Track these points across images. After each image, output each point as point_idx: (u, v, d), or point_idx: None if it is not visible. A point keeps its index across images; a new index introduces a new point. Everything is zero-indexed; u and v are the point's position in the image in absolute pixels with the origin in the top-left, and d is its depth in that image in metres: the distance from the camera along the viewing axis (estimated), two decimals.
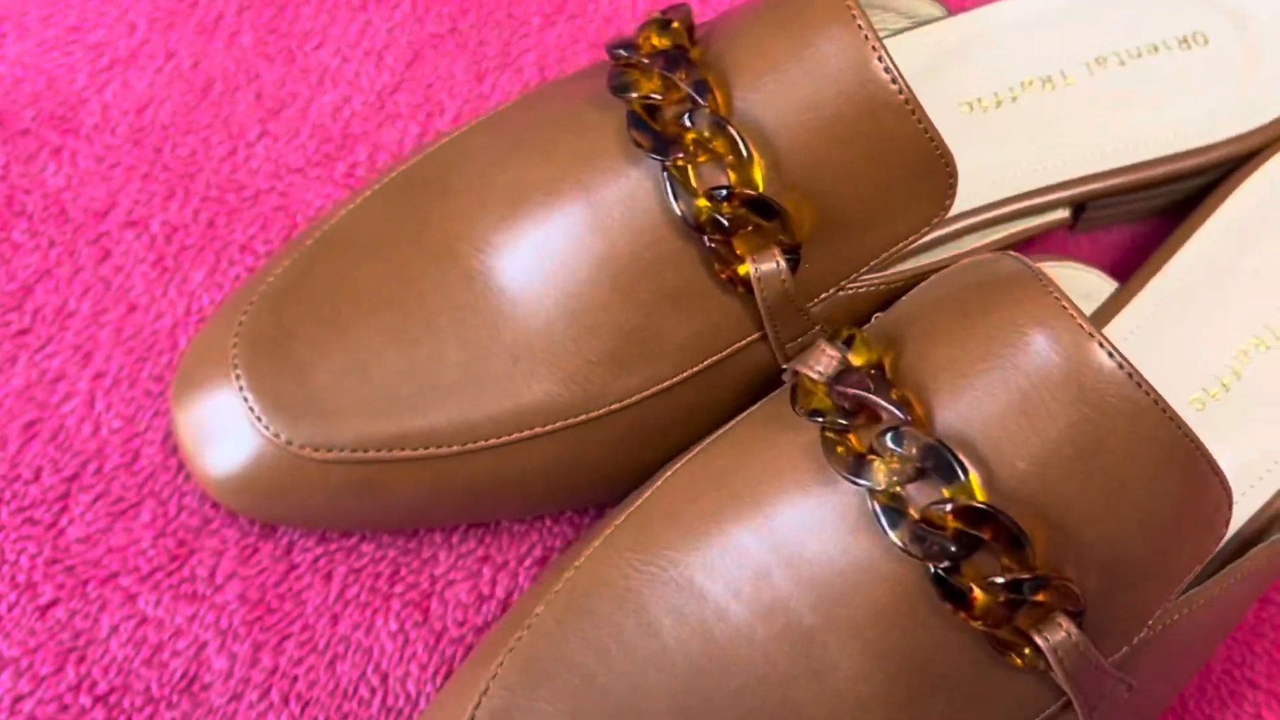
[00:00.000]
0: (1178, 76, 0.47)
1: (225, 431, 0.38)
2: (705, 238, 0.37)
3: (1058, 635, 0.33)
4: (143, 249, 0.45)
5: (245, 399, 0.38)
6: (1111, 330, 0.44)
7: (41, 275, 0.44)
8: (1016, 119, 0.47)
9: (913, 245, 0.39)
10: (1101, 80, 0.47)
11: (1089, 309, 0.44)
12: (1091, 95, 0.47)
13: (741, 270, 0.37)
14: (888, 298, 0.40)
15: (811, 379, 0.35)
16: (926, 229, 0.39)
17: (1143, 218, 0.49)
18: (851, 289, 0.39)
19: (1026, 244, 0.47)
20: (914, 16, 0.48)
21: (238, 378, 0.38)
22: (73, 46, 0.49)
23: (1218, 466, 0.34)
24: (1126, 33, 0.48)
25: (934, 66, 0.47)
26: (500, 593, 0.41)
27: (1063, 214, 0.46)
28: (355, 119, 0.48)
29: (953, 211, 0.44)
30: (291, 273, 0.40)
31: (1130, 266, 0.47)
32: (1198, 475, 0.34)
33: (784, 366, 0.39)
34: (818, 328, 0.39)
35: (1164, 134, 0.47)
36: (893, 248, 0.39)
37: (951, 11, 0.48)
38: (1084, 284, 0.44)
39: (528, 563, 0.42)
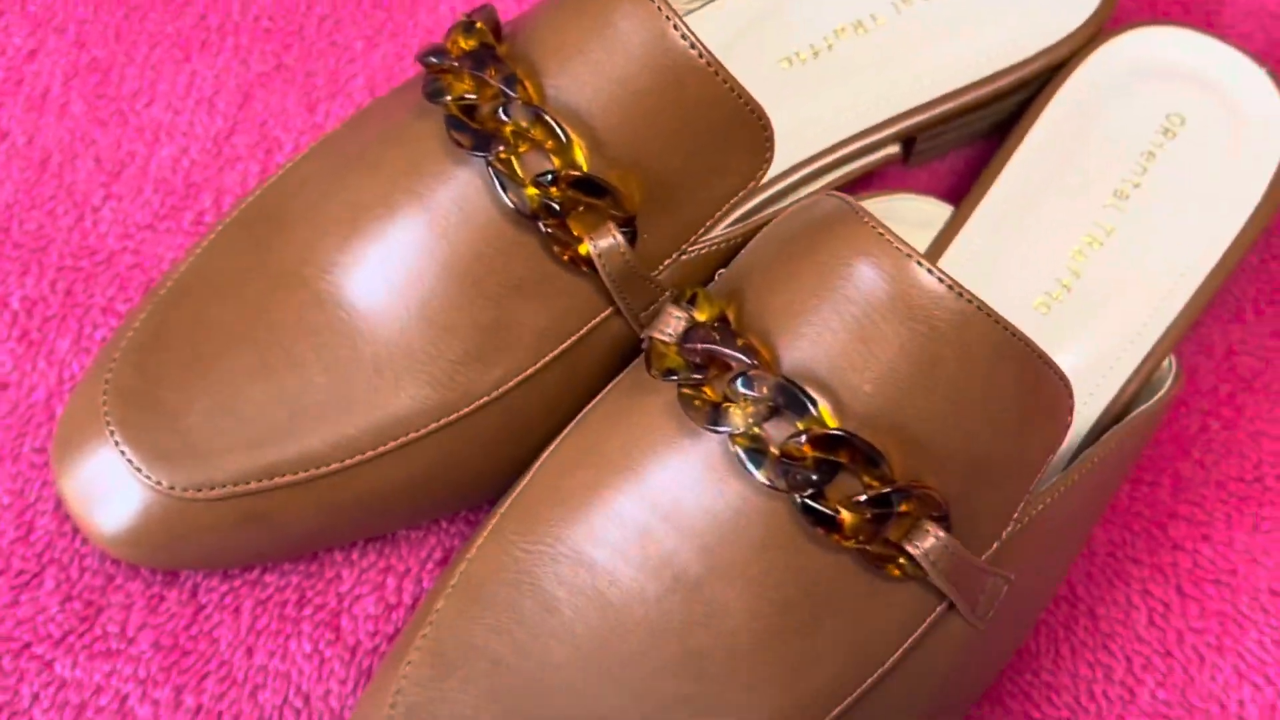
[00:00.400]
0: (981, 2, 0.49)
1: (110, 488, 0.39)
2: (540, 224, 0.38)
3: (927, 542, 0.35)
4: (5, 327, 0.46)
5: (123, 453, 0.39)
6: (953, 250, 0.46)
7: None
8: (835, 66, 0.48)
9: (744, 201, 0.40)
10: (908, 16, 0.49)
11: (928, 236, 0.46)
12: (903, 32, 0.49)
13: (582, 250, 0.39)
14: (730, 254, 0.41)
15: (664, 341, 0.37)
16: (753, 184, 0.40)
17: (971, 142, 0.51)
18: (693, 251, 0.41)
19: (864, 183, 0.49)
20: None
21: (112, 434, 0.39)
22: None
23: (1049, 359, 0.36)
24: None
25: (747, 29, 0.49)
26: (407, 599, 0.42)
27: (894, 149, 0.47)
28: (195, 168, 0.49)
29: (788, 163, 0.46)
30: (150, 324, 0.40)
31: (966, 190, 0.49)
32: (1033, 370, 0.36)
33: (641, 336, 0.41)
34: (668, 294, 0.41)
35: (976, 58, 0.48)
36: (723, 206, 0.40)
37: None
38: (921, 213, 0.46)
39: (429, 565, 0.43)
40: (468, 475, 0.41)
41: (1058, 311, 0.45)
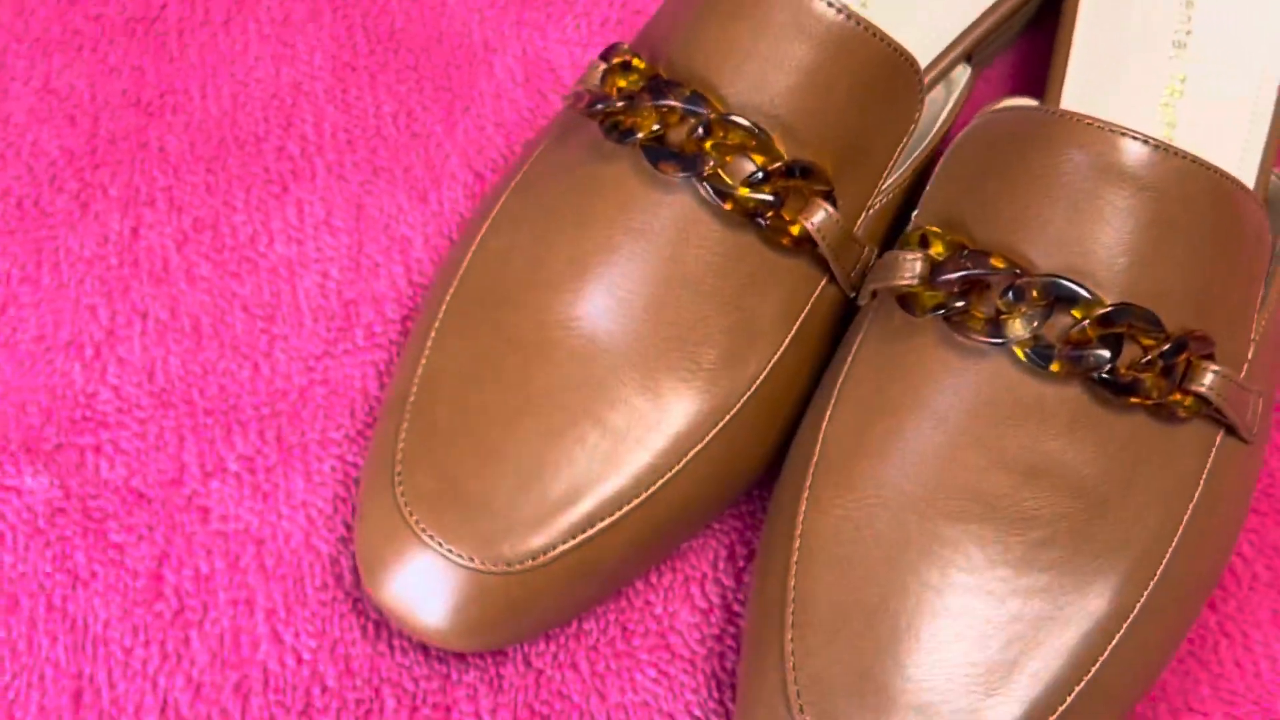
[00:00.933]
0: None
1: (443, 587, 0.41)
2: (759, 220, 0.41)
3: (1207, 379, 0.39)
4: (235, 490, 0.47)
5: (449, 552, 0.40)
6: None
7: (162, 560, 0.46)
8: (881, 11, 0.52)
9: (909, 143, 0.44)
10: None
11: None
12: None
13: (796, 230, 0.42)
14: (901, 200, 0.45)
15: (913, 286, 0.40)
16: (914, 124, 0.44)
17: (1014, 42, 0.55)
18: (877, 203, 0.44)
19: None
20: None
21: (431, 538, 0.41)
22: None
23: (1250, 190, 0.40)
24: None
25: None
26: (715, 599, 0.45)
27: (965, 69, 0.51)
28: (343, 287, 0.50)
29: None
30: (417, 428, 0.42)
31: (1034, 81, 0.53)
32: (1240, 204, 0.40)
33: (852, 294, 0.44)
34: (868, 249, 0.44)
35: None
36: (895, 154, 0.44)
37: None
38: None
39: (721, 564, 0.45)
40: (746, 467, 0.44)
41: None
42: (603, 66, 0.43)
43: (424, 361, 0.44)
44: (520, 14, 0.56)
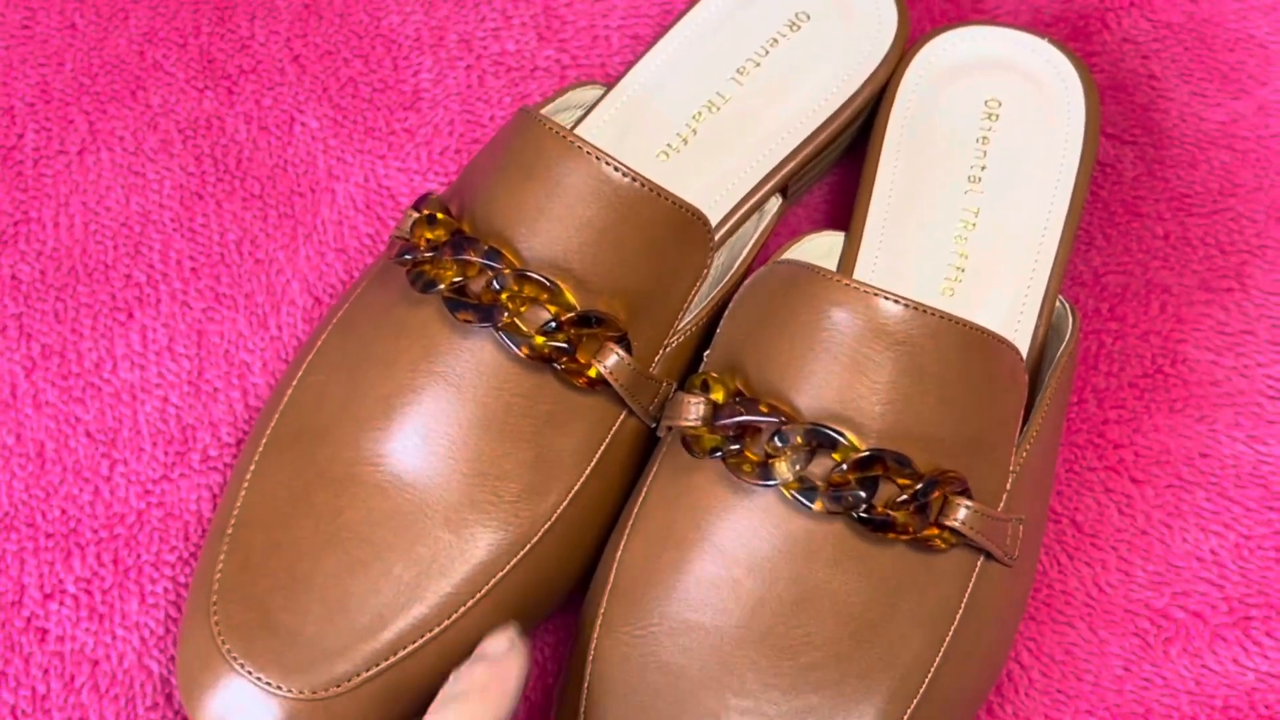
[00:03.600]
0: (805, 51, 0.57)
1: (254, 713, 0.43)
2: (553, 364, 0.44)
3: (960, 513, 0.42)
4: (72, 612, 0.49)
5: (258, 679, 0.43)
6: (860, 269, 0.53)
7: None
8: (704, 146, 0.55)
9: (701, 288, 0.47)
10: (750, 84, 0.56)
11: (834, 261, 0.53)
12: (750, 99, 0.56)
13: (592, 373, 0.44)
14: (699, 336, 0.48)
15: (694, 427, 0.43)
16: (706, 272, 0.47)
17: (830, 171, 0.58)
18: (672, 343, 0.47)
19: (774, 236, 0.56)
20: (583, 104, 0.56)
21: (242, 666, 0.43)
22: None
23: (1001, 337, 0.43)
24: (747, 40, 0.57)
25: (621, 137, 0.55)
26: (523, 717, 0.47)
27: (778, 200, 0.55)
28: (182, 412, 0.53)
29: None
30: (233, 560, 0.45)
31: (842, 211, 0.57)
32: (991, 350, 0.43)
33: (653, 425, 0.47)
34: (664, 384, 0.47)
35: (814, 103, 0.56)
36: (688, 299, 0.47)
37: (608, 84, 0.56)
38: (823, 246, 0.53)
39: (529, 682, 0.48)
40: (548, 591, 0.46)
41: (960, 292, 0.52)
42: (414, 216, 0.46)
43: (243, 494, 0.46)
44: (363, 143, 0.59)
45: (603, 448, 0.46)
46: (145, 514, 0.51)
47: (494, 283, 0.44)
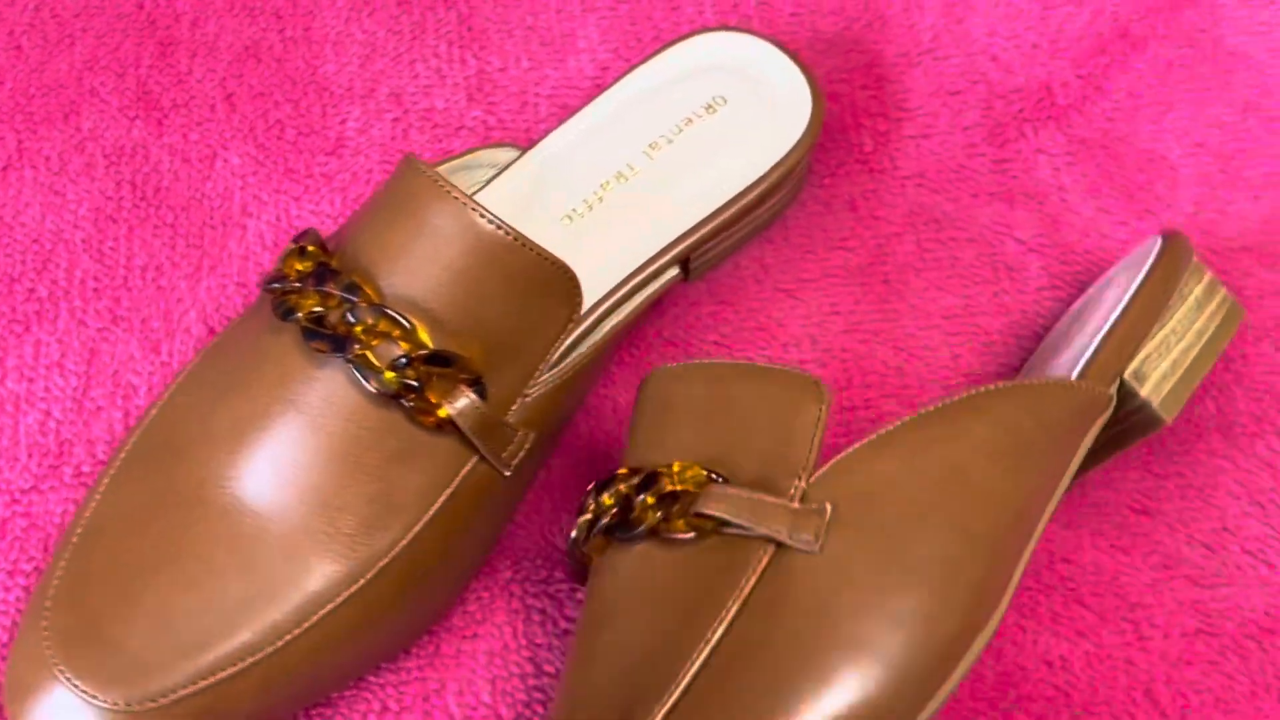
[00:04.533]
0: (718, 133, 0.58)
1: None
2: (403, 401, 0.44)
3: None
4: None
5: (75, 686, 0.43)
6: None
7: None
8: (609, 213, 0.56)
9: (566, 341, 0.48)
10: (660, 160, 0.57)
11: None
12: (657, 175, 0.57)
13: (442, 414, 0.45)
14: (563, 390, 0.48)
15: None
16: (572, 325, 0.47)
17: (740, 248, 0.59)
18: (533, 392, 0.47)
19: (648, 312, 0.56)
20: (497, 164, 0.57)
21: (62, 672, 0.43)
22: None
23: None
24: (663, 118, 0.58)
25: (530, 197, 0.56)
26: None
27: (674, 271, 0.55)
28: (61, 426, 0.53)
29: (588, 303, 0.53)
30: (74, 568, 0.45)
31: (745, 288, 0.57)
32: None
33: (507, 474, 0.47)
34: (521, 433, 0.47)
35: (721, 183, 0.57)
36: (551, 348, 0.47)
37: (524, 148, 0.57)
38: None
39: (370, 718, 0.48)
40: (383, 631, 0.46)
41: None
42: (291, 248, 0.47)
43: (94, 504, 0.46)
44: (281, 183, 0.60)
45: (449, 491, 0.46)
46: (10, 523, 0.51)
47: (349, 315, 0.44)
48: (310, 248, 0.46)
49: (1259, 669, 0.49)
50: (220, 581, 0.44)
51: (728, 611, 0.41)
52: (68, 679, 0.43)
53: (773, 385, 0.44)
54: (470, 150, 0.56)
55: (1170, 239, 0.52)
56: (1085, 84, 0.62)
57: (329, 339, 0.44)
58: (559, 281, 0.46)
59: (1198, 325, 0.51)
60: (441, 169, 0.55)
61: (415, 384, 0.44)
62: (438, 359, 0.44)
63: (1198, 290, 0.51)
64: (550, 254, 0.46)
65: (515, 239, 0.45)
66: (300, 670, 0.45)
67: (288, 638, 0.44)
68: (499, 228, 0.45)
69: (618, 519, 0.44)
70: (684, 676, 0.40)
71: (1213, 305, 0.52)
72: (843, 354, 0.56)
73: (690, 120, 0.58)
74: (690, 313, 0.57)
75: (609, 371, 0.56)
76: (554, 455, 0.53)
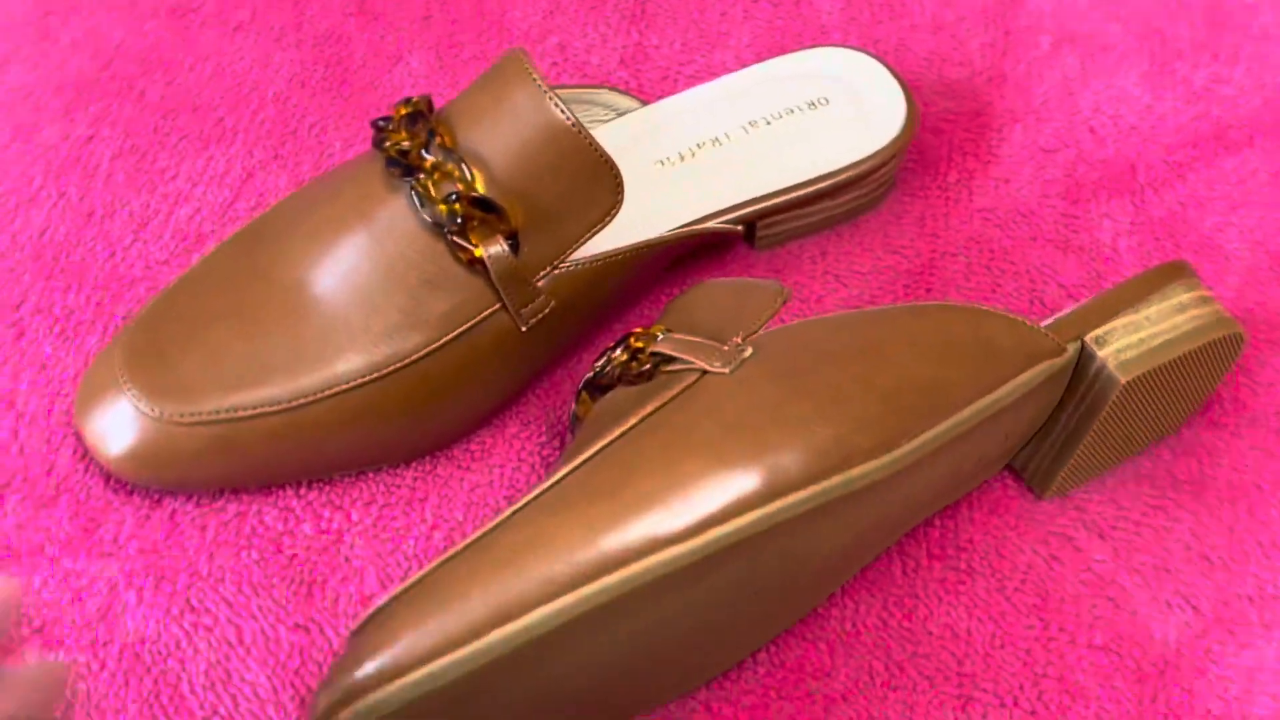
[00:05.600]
0: (810, 127, 0.65)
1: (118, 421, 0.53)
2: (446, 233, 0.53)
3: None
4: (48, 326, 0.60)
5: (128, 392, 0.52)
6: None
7: None
8: (696, 168, 0.64)
9: (605, 227, 0.55)
10: (755, 136, 0.65)
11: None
12: (749, 147, 0.64)
13: (477, 253, 0.53)
14: (595, 276, 0.56)
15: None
16: (609, 217, 0.55)
17: (813, 233, 0.66)
18: (565, 267, 0.55)
19: (711, 255, 0.64)
20: (617, 109, 0.66)
21: (122, 379, 0.53)
22: None
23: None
24: (769, 103, 0.66)
25: (635, 140, 0.64)
26: (337, 526, 0.55)
27: (735, 227, 0.62)
28: (204, 223, 0.64)
29: (653, 234, 0.60)
30: (160, 305, 0.55)
31: (790, 262, 0.64)
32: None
33: (524, 329, 0.55)
34: (544, 298, 0.55)
35: (802, 167, 0.64)
36: (589, 232, 0.55)
37: (646, 103, 0.66)
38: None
39: (359, 504, 0.56)
40: (389, 426, 0.54)
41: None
42: (403, 99, 0.56)
43: (194, 266, 0.56)
44: (445, 91, 0.70)
45: (467, 325, 0.54)
46: (138, 282, 0.62)
47: (424, 152, 0.53)
48: (416, 99, 0.55)
49: (1150, 696, 0.52)
50: (266, 342, 0.53)
51: (645, 409, 0.47)
52: (125, 385, 0.53)
53: (749, 287, 0.51)
54: (598, 86, 0.65)
55: (1179, 261, 0.55)
56: (1169, 169, 0.66)
57: (404, 167, 0.53)
58: (605, 174, 0.54)
59: (1175, 320, 0.53)
60: (565, 94, 0.64)
61: (460, 220, 0.52)
62: (484, 204, 0.52)
63: (1184, 297, 0.54)
64: (602, 149, 0.54)
65: (576, 127, 0.53)
66: (308, 433, 0.53)
67: (304, 400, 0.53)
68: (566, 116, 0.53)
69: (595, 373, 0.51)
70: (593, 446, 0.47)
71: (1198, 311, 0.54)
72: None
73: (791, 111, 0.66)
74: (744, 273, 0.64)
75: (660, 304, 0.63)
76: (585, 350, 0.61)
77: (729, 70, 0.71)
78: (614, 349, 0.52)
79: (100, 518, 0.55)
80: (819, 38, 0.73)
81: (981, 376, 0.49)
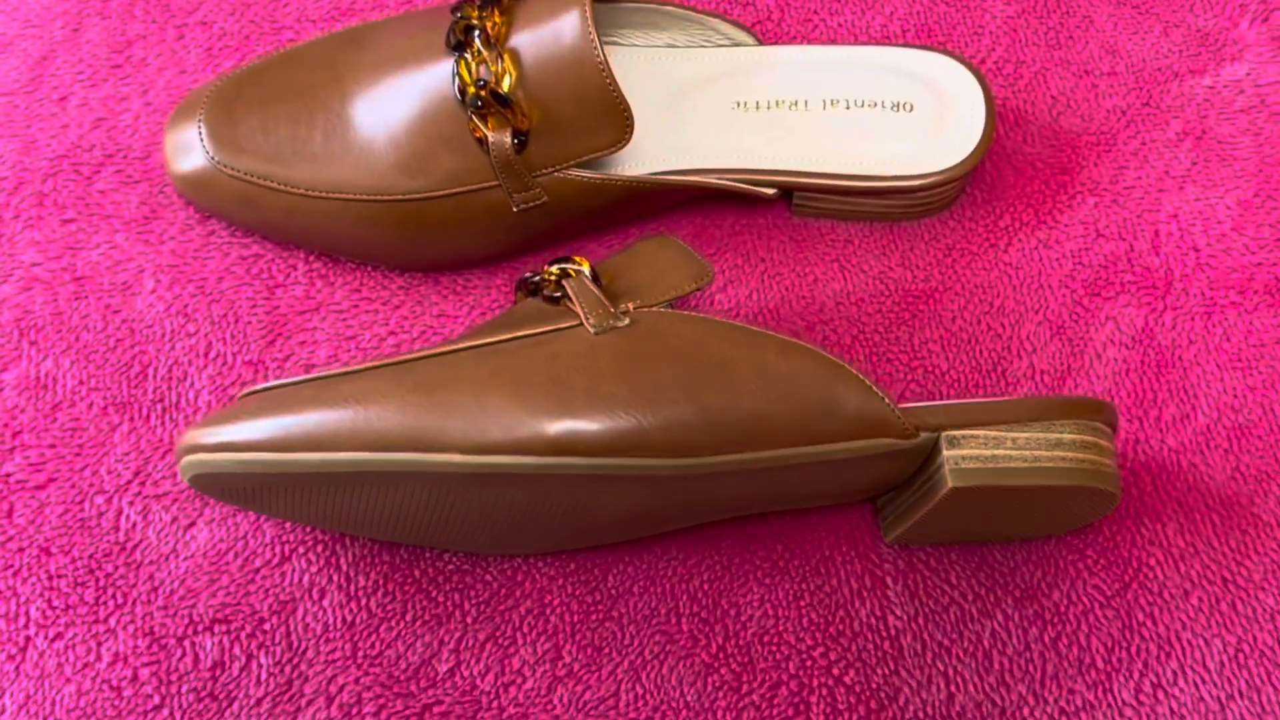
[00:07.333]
0: (881, 126, 0.68)
1: (187, 146, 0.65)
2: (467, 109, 0.61)
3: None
4: (204, 41, 0.72)
5: (199, 131, 0.64)
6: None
7: None
8: (763, 121, 0.68)
9: (610, 157, 0.62)
10: (830, 114, 0.69)
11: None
12: (820, 122, 0.68)
13: (485, 135, 0.61)
14: (600, 190, 0.63)
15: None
16: (614, 148, 0.62)
17: (860, 220, 0.70)
18: (563, 174, 0.63)
19: (742, 202, 0.69)
20: (733, 39, 0.70)
21: (200, 120, 0.64)
22: None
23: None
24: (857, 89, 0.69)
25: (729, 75, 0.69)
26: (320, 298, 0.66)
27: (769, 191, 0.67)
28: (357, 3, 0.74)
29: (700, 165, 0.66)
30: (255, 68, 0.66)
31: (816, 237, 0.69)
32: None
33: (515, 210, 0.63)
34: (537, 191, 0.63)
35: (849, 159, 0.67)
36: (589, 154, 0.62)
37: (761, 42, 0.70)
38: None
39: (345, 288, 0.67)
40: (383, 240, 0.64)
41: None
42: None
43: (300, 45, 0.67)
44: None
45: (467, 188, 0.62)
46: (284, 33, 0.73)
47: (476, 35, 0.61)
48: None
49: None
50: (310, 134, 0.63)
51: (517, 332, 0.55)
52: (200, 124, 0.64)
53: (683, 261, 0.57)
54: (718, 15, 0.70)
55: (1095, 400, 0.57)
56: (1200, 303, 0.67)
57: (457, 43, 0.61)
58: (616, 113, 0.61)
59: (1040, 454, 0.55)
60: (684, 11, 0.69)
61: (480, 105, 0.60)
62: (502, 99, 0.60)
63: (1071, 436, 0.55)
64: (619, 92, 0.60)
65: (602, 64, 0.60)
66: (316, 220, 0.64)
67: (316, 194, 0.63)
68: (599, 51, 0.59)
69: (531, 274, 0.59)
70: (466, 342, 0.55)
71: (1078, 455, 0.55)
72: (849, 330, 0.66)
73: (875, 104, 0.69)
74: (772, 232, 0.69)
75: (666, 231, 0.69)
76: (593, 242, 0.68)
77: (870, 33, 0.74)
78: (553, 263, 0.59)
79: (160, 213, 0.68)
80: (967, 36, 0.74)
81: (809, 428, 0.54)
